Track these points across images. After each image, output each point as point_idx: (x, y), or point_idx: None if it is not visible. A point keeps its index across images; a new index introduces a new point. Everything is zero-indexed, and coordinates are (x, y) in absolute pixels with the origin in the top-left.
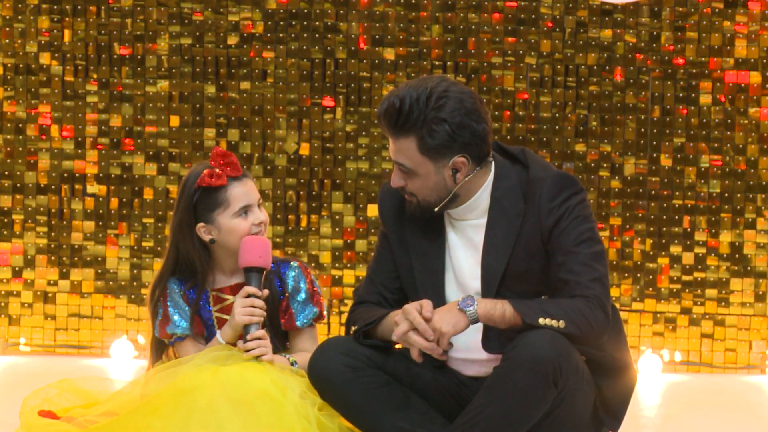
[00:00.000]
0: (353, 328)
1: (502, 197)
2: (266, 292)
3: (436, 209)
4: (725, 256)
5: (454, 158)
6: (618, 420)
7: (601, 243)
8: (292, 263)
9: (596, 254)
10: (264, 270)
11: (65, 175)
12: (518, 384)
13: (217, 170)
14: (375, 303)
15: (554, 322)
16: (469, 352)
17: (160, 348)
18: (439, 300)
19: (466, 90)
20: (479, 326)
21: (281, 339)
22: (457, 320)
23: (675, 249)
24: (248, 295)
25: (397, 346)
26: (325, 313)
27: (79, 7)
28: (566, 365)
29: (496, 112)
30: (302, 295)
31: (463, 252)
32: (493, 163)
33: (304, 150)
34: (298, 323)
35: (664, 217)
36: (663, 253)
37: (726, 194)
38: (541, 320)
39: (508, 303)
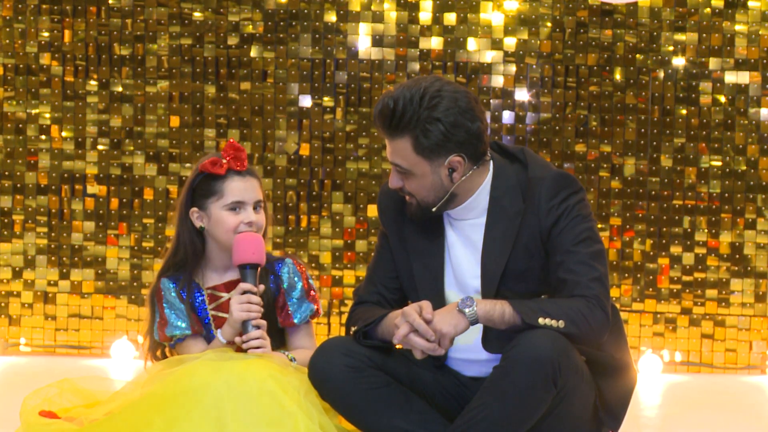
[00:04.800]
0: (353, 329)
1: (501, 196)
2: (262, 287)
3: (434, 209)
4: (725, 256)
5: (450, 157)
6: (618, 420)
7: (601, 242)
8: (286, 260)
9: (595, 253)
10: (258, 266)
11: (65, 175)
12: (518, 383)
13: (223, 160)
14: (375, 303)
15: (554, 322)
16: (469, 352)
17: (154, 345)
18: (439, 300)
19: (460, 89)
20: (479, 326)
21: (278, 336)
22: (458, 321)
23: (675, 249)
24: (244, 292)
25: (397, 346)
26: (320, 309)
27: (79, 7)
28: (566, 365)
29: (496, 112)
30: (298, 292)
31: (462, 251)
32: (491, 162)
33: (304, 150)
34: (295, 320)
35: (664, 217)
36: (663, 253)
37: (726, 194)
38: (540, 320)
39: (507, 303)
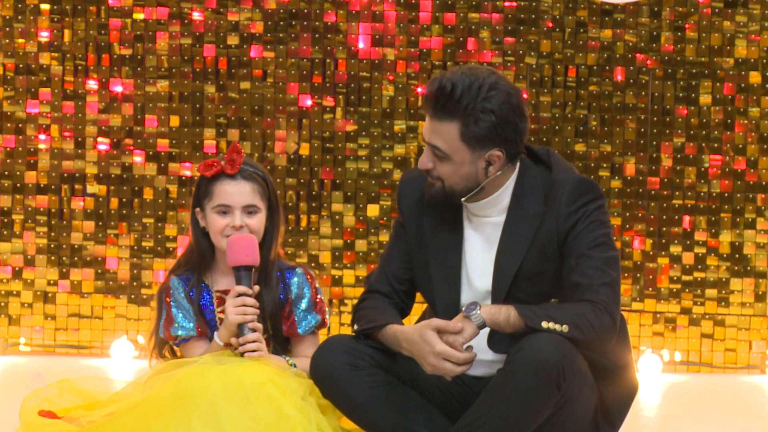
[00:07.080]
0: (355, 327)
1: (523, 196)
2: (257, 288)
3: (463, 199)
4: (725, 256)
5: (492, 151)
6: (614, 427)
7: (616, 250)
8: (297, 270)
9: (609, 259)
10: (252, 267)
11: (65, 175)
12: (521, 387)
13: (222, 162)
14: (385, 294)
15: (557, 326)
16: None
17: (161, 343)
18: (454, 294)
19: (513, 86)
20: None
21: (282, 344)
22: (466, 325)
23: (675, 249)
24: (239, 294)
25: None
26: (327, 320)
27: (79, 7)
28: (570, 369)
29: None
30: (305, 303)
31: (478, 248)
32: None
33: (304, 150)
34: (300, 331)
35: (664, 216)
36: (663, 253)
37: (726, 194)
38: (544, 324)
39: (512, 307)
